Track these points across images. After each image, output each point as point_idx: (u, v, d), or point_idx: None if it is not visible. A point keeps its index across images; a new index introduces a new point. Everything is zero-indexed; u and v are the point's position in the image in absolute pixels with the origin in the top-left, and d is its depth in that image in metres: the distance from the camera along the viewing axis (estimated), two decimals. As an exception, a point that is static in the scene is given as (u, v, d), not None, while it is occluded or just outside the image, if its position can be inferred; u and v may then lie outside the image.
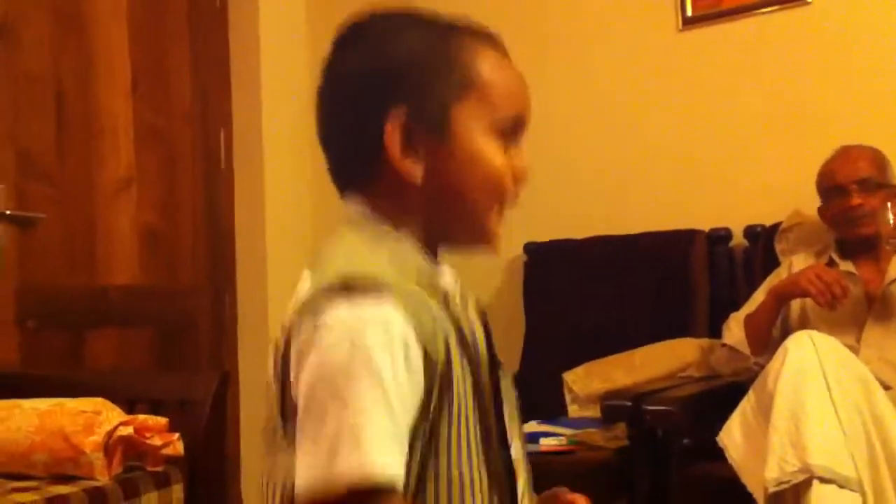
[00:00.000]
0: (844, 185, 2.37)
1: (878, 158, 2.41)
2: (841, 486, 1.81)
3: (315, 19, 3.51)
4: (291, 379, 0.91)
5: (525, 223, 2.97)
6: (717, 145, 2.96)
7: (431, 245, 1.04)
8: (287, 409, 0.92)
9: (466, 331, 0.98)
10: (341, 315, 0.87)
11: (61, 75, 2.78)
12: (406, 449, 0.87)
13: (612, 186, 3.11)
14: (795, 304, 2.40)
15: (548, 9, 3.27)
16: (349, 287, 0.89)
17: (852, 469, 1.83)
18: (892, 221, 2.18)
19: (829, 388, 1.90)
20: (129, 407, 2.17)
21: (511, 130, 1.04)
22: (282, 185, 3.35)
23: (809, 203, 2.55)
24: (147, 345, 3.03)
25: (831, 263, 2.42)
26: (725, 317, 2.56)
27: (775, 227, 2.72)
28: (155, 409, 2.20)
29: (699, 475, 2.21)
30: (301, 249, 3.31)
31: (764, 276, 2.57)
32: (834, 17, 2.81)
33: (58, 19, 2.77)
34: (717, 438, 2.08)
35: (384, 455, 0.84)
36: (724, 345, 2.51)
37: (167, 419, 2.10)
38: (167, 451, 2.07)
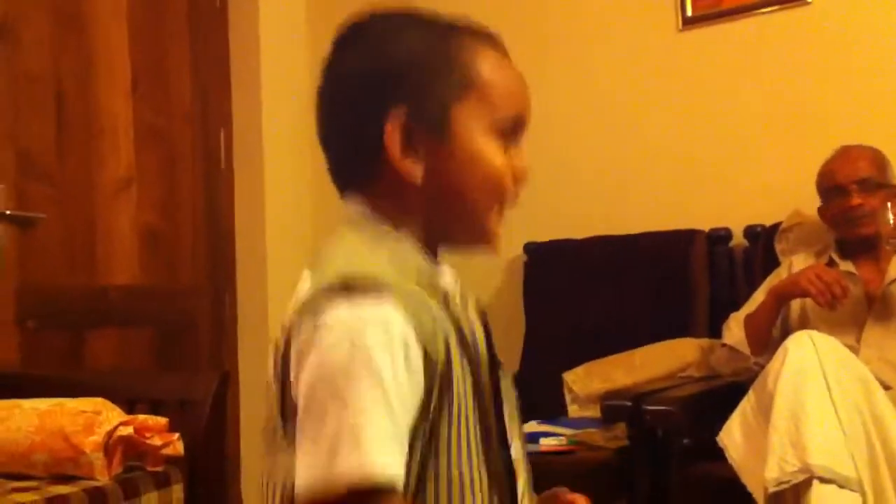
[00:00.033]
0: (844, 185, 2.37)
1: (878, 158, 2.41)
2: (841, 486, 1.81)
3: (315, 19, 3.51)
4: (291, 379, 0.90)
5: (525, 223, 2.97)
6: (717, 145, 2.96)
7: (431, 245, 1.04)
8: (287, 409, 0.91)
9: (466, 331, 0.97)
10: (341, 315, 0.87)
11: (61, 75, 2.78)
12: (406, 449, 0.87)
13: (612, 186, 3.11)
14: (795, 304, 2.40)
15: (548, 9, 3.27)
16: (349, 287, 0.89)
17: (852, 469, 1.83)
18: (892, 221, 2.18)
19: (829, 388, 1.90)
20: (129, 407, 2.17)
21: (511, 130, 1.04)
22: (282, 185, 3.36)
23: (809, 203, 2.55)
24: (147, 345, 3.03)
25: (831, 263, 2.42)
26: (725, 317, 2.56)
27: (775, 227, 2.72)
28: (155, 409, 2.20)
29: (699, 475, 2.21)
30: (301, 249, 3.31)
31: (764, 277, 2.57)
32: (834, 17, 2.81)
33: (58, 19, 2.77)
34: (717, 438, 2.08)
35: (384, 455, 0.83)
36: (724, 345, 2.51)
37: (167, 419, 2.10)
38: (167, 451, 2.07)
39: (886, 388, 2.04)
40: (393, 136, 0.99)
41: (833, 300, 2.21)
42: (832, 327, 2.22)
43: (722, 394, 2.34)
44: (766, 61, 2.91)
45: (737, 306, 2.54)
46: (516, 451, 1.04)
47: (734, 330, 2.47)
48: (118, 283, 2.93)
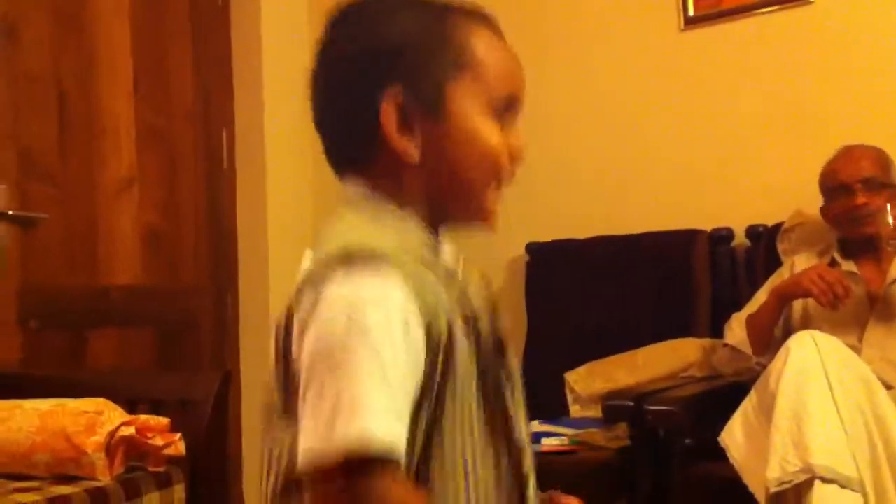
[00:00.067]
0: (849, 184, 2.37)
1: (881, 158, 2.41)
2: (842, 487, 1.81)
3: (317, 19, 3.49)
4: (293, 352, 0.91)
5: (527, 223, 2.97)
6: (718, 145, 2.95)
7: (432, 224, 1.04)
8: (289, 385, 0.92)
9: (470, 307, 0.97)
10: (340, 288, 0.88)
11: (63, 75, 2.78)
12: (407, 421, 0.87)
13: (614, 186, 3.10)
14: (797, 304, 2.39)
15: (548, 9, 3.27)
16: (350, 260, 0.89)
17: (854, 469, 1.83)
18: (891, 222, 2.18)
19: (831, 388, 1.90)
20: (131, 407, 2.17)
21: (506, 109, 1.04)
22: (284, 185, 3.35)
23: (811, 203, 2.55)
24: (149, 345, 3.03)
25: (833, 263, 2.42)
26: (727, 317, 2.55)
27: (777, 226, 2.71)
28: (156, 409, 2.20)
29: (701, 475, 2.21)
30: (303, 249, 3.29)
31: (766, 276, 2.57)
32: (836, 17, 2.81)
33: (59, 19, 2.77)
34: (719, 438, 2.08)
35: (382, 424, 0.83)
36: (725, 345, 2.51)
37: (169, 419, 2.10)
38: (169, 451, 2.07)
39: (888, 387, 2.04)
40: (389, 115, 0.99)
41: (835, 300, 2.21)
42: (834, 327, 2.22)
43: (724, 394, 2.34)
44: (767, 61, 2.91)
45: (738, 306, 2.54)
46: (521, 430, 1.04)
47: (736, 330, 2.47)
48: (120, 283, 2.93)
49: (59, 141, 2.75)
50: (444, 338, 0.91)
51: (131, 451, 2.04)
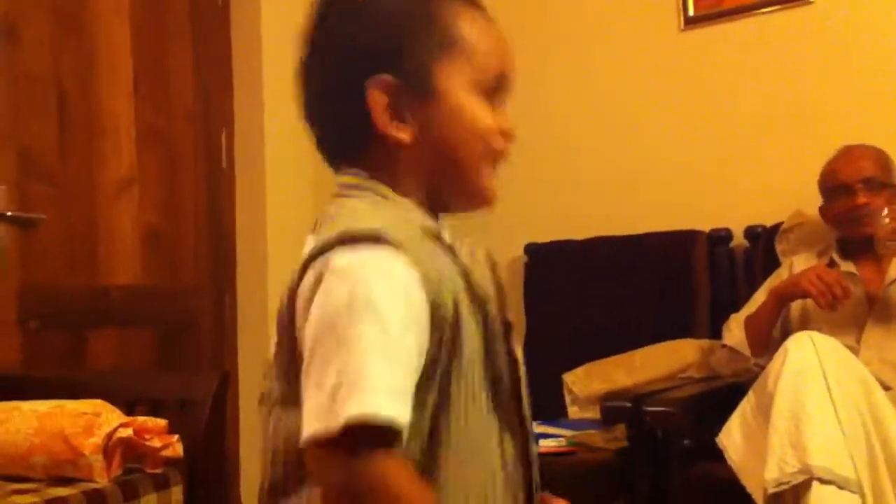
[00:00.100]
0: (850, 184, 2.37)
1: (882, 158, 2.41)
2: (840, 487, 1.81)
3: (317, 19, 3.49)
4: (297, 330, 0.90)
5: (526, 224, 2.97)
6: (717, 145, 2.95)
7: (431, 211, 1.04)
8: (292, 371, 0.91)
9: (477, 287, 0.97)
10: (344, 263, 0.88)
11: (62, 75, 2.78)
12: (410, 395, 0.86)
13: (613, 187, 3.10)
14: (796, 305, 2.39)
15: (548, 9, 3.27)
16: (353, 239, 0.89)
17: (852, 470, 1.83)
18: (887, 224, 2.17)
19: (829, 389, 1.90)
20: (129, 408, 2.17)
21: (494, 89, 1.04)
22: (283, 186, 3.35)
23: (810, 203, 2.54)
24: (149, 345, 3.03)
25: (832, 264, 2.42)
26: (726, 317, 2.55)
27: (776, 227, 2.71)
28: (155, 410, 2.20)
29: (699, 476, 2.20)
30: (302, 250, 3.30)
31: (764, 277, 2.57)
32: (836, 17, 2.81)
33: (59, 19, 2.77)
34: (717, 439, 2.08)
35: (385, 399, 0.82)
36: (724, 346, 2.51)
37: (167, 421, 2.10)
38: (167, 452, 2.07)
39: (886, 388, 2.04)
40: (378, 101, 0.99)
41: (834, 301, 2.20)
42: (832, 328, 2.22)
43: (722, 395, 2.34)
44: (767, 61, 2.91)
45: (737, 307, 2.54)
46: (528, 417, 1.04)
47: (734, 331, 2.47)
48: (119, 283, 2.93)
49: (58, 141, 2.75)
50: (450, 316, 0.90)
51: (129, 453, 2.04)
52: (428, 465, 0.90)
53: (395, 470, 0.84)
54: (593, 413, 2.51)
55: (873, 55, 2.76)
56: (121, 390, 2.25)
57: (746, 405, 2.08)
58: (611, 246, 2.97)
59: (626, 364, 2.64)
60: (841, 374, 1.93)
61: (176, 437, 2.08)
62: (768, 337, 2.35)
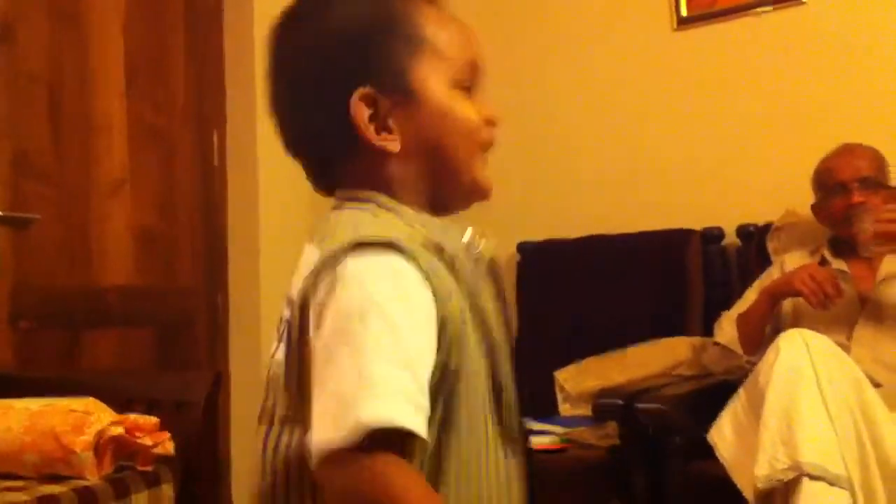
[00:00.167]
0: (846, 183, 2.37)
1: (878, 158, 2.41)
2: (831, 484, 1.81)
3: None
4: (310, 337, 0.90)
5: (519, 223, 2.97)
6: (710, 145, 2.96)
7: (433, 213, 1.04)
8: (300, 382, 0.91)
9: (477, 291, 0.97)
10: (358, 270, 0.88)
11: (57, 75, 2.78)
12: (422, 399, 0.86)
13: (606, 186, 3.11)
14: (787, 303, 2.39)
15: (545, 9, 3.27)
16: (364, 247, 0.89)
17: (842, 467, 1.83)
18: (870, 229, 2.18)
19: (820, 387, 1.90)
20: (125, 407, 2.16)
21: (470, 81, 1.04)
22: (276, 185, 3.34)
23: (802, 202, 2.55)
24: (144, 345, 3.02)
25: (823, 262, 2.42)
26: (719, 316, 2.56)
27: (768, 226, 2.72)
28: (150, 410, 2.19)
29: (691, 473, 2.20)
30: (295, 250, 3.27)
31: (756, 276, 2.57)
32: (828, 17, 2.82)
33: (53, 18, 2.77)
34: (707, 436, 2.08)
35: (395, 404, 0.82)
36: (716, 343, 2.51)
37: (158, 419, 2.10)
38: (158, 450, 2.06)
39: (877, 386, 2.04)
40: (361, 116, 0.98)
41: (825, 300, 2.21)
42: (824, 326, 2.22)
43: (714, 392, 2.33)
44: (759, 62, 2.91)
45: (729, 305, 2.55)
46: (524, 429, 1.05)
47: (726, 329, 2.47)
48: (114, 283, 2.92)
49: (52, 141, 2.75)
50: (457, 333, 0.90)
51: (120, 451, 2.04)
52: (433, 480, 0.90)
53: (408, 476, 0.84)
54: (585, 410, 2.51)
55: (865, 55, 2.76)
56: (115, 390, 2.25)
57: (737, 402, 2.08)
58: (604, 244, 2.97)
59: (618, 362, 2.64)
60: (832, 372, 1.93)
61: (167, 434, 2.08)
62: (760, 335, 2.35)
